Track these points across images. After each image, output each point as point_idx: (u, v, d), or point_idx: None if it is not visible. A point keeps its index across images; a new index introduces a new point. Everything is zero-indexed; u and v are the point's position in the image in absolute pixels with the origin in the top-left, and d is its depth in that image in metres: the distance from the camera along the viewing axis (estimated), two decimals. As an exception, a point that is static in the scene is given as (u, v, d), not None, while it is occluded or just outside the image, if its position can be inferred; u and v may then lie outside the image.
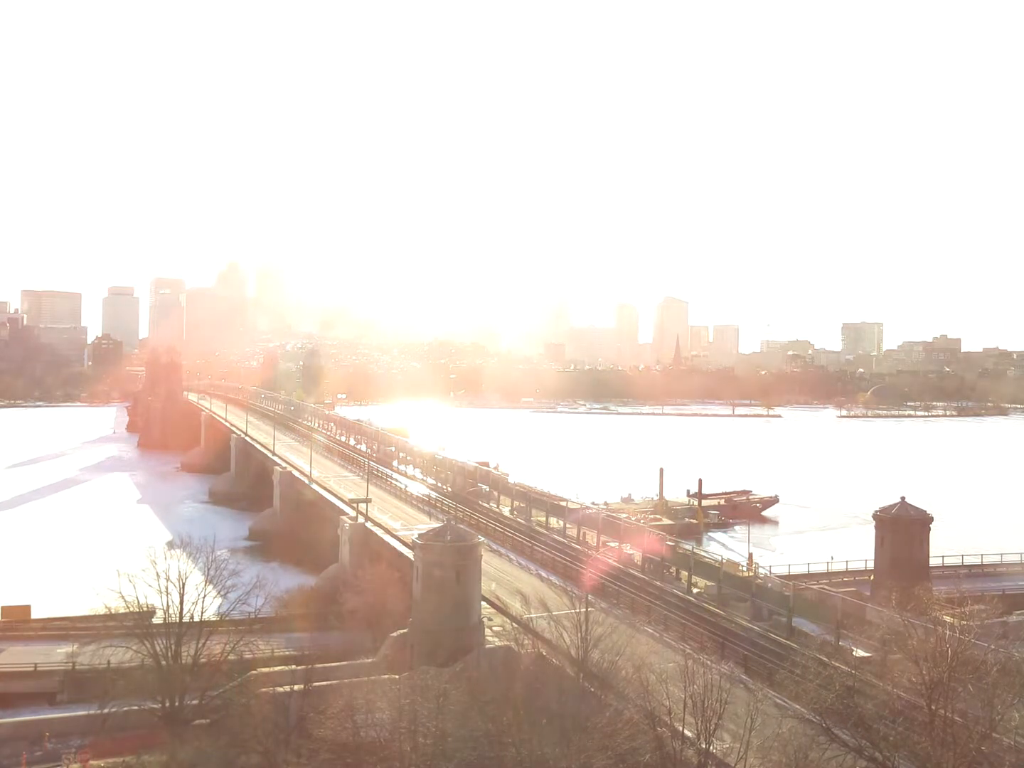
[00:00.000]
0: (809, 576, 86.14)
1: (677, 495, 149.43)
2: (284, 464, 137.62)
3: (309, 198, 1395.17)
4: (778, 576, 75.89)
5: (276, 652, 64.58)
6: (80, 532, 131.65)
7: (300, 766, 45.20)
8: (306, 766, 45.03)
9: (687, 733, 38.97)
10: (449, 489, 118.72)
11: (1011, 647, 45.32)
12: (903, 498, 77.55)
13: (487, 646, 57.35)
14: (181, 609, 55.54)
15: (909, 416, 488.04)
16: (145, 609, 56.34)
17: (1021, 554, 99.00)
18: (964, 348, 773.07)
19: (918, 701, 38.34)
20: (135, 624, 55.27)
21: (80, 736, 55.22)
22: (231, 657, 55.37)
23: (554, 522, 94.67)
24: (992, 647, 41.77)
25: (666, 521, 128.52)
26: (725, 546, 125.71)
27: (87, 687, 59.38)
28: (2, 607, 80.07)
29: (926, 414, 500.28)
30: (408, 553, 72.95)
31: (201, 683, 53.46)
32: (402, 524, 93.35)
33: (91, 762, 51.52)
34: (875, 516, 78.01)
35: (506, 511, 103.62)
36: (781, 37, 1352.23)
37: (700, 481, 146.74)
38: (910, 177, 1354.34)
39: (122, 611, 56.30)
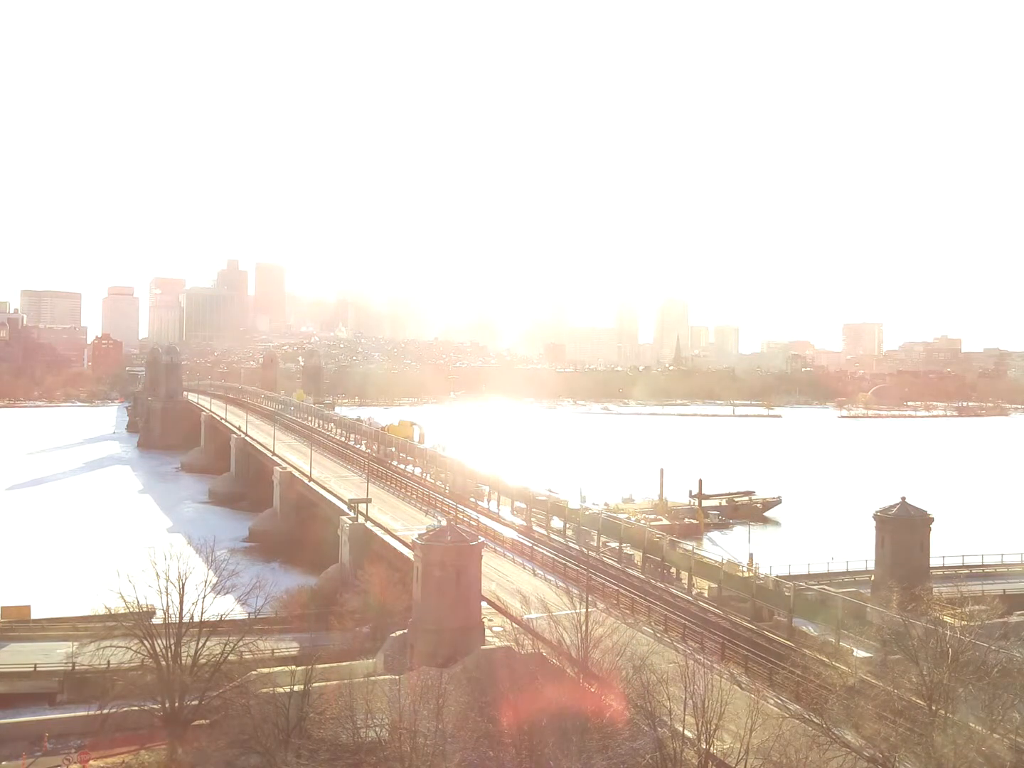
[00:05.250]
0: (809, 576, 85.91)
1: (678, 495, 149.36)
2: (284, 464, 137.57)
3: (309, 198, 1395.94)
4: (778, 576, 75.78)
5: (276, 652, 64.67)
6: (80, 532, 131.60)
7: (300, 766, 45.11)
8: (306, 766, 44.94)
9: (687, 734, 38.90)
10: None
11: (1012, 648, 45.22)
12: (903, 498, 77.33)
13: (487, 646, 57.27)
14: (181, 609, 55.43)
15: (909, 416, 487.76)
16: (145, 609, 56.26)
17: (1021, 554, 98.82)
18: (964, 348, 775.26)
19: (918, 701, 38.30)
20: (135, 624, 55.14)
21: (80, 736, 55.29)
22: (231, 657, 55.32)
23: (555, 523, 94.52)
24: (993, 648, 41.72)
25: (666, 522, 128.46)
26: (721, 547, 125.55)
27: (87, 687, 59.40)
28: (2, 607, 79.97)
29: (926, 414, 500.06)
30: (408, 553, 72.86)
31: (201, 683, 53.38)
32: (402, 524, 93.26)
33: (91, 762, 51.54)
34: (875, 516, 77.79)
35: (506, 511, 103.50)
36: (781, 37, 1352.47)
37: (700, 481, 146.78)
38: (910, 177, 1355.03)
39: (122, 611, 56.25)
